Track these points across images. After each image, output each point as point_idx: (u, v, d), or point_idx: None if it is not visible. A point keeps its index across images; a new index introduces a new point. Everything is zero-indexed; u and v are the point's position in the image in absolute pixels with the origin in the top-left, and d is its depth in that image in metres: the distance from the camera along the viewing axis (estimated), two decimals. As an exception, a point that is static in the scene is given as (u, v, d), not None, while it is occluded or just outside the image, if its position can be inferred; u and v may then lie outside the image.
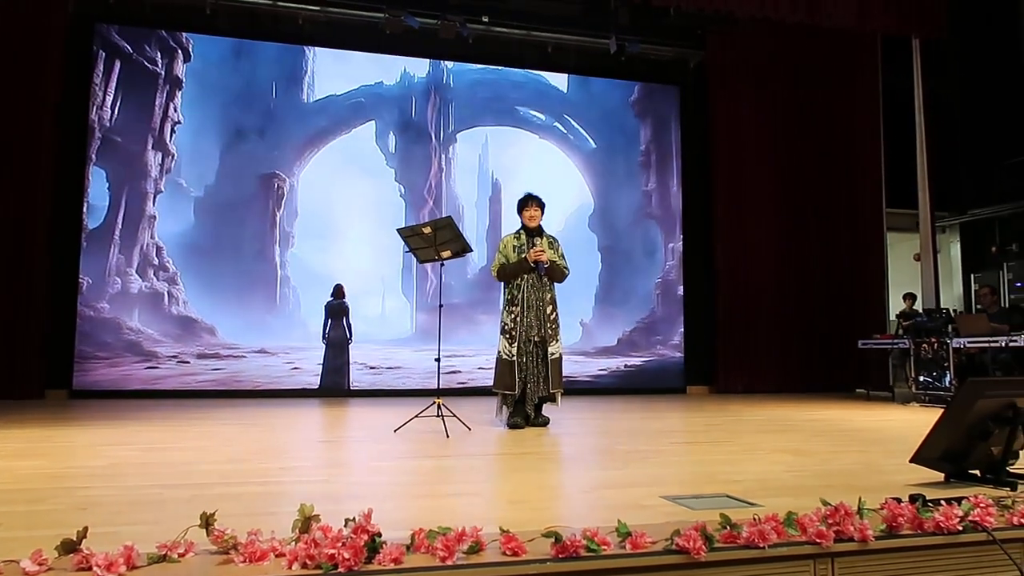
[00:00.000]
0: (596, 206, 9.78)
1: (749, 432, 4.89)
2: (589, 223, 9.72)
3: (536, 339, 5.02)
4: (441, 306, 5.19)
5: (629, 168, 9.93)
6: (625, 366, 9.47)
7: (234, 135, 8.71)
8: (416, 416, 4.89)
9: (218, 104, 8.68)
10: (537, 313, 5.03)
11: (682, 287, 9.81)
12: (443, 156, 9.36)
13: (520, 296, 5.04)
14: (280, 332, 8.53)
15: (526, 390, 4.97)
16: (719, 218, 9.74)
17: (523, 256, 5.03)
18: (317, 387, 8.45)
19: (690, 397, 8.96)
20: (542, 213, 5.21)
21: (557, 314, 5.13)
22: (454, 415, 4.91)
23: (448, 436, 4.43)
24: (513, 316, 5.03)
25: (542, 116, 9.74)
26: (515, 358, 4.96)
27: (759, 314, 9.62)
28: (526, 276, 5.05)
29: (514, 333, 5.00)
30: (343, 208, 8.94)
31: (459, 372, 8.83)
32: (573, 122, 9.83)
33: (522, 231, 5.18)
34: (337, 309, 8.62)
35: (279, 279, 8.67)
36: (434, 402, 4.88)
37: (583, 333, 9.44)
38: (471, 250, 5.15)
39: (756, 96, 9.91)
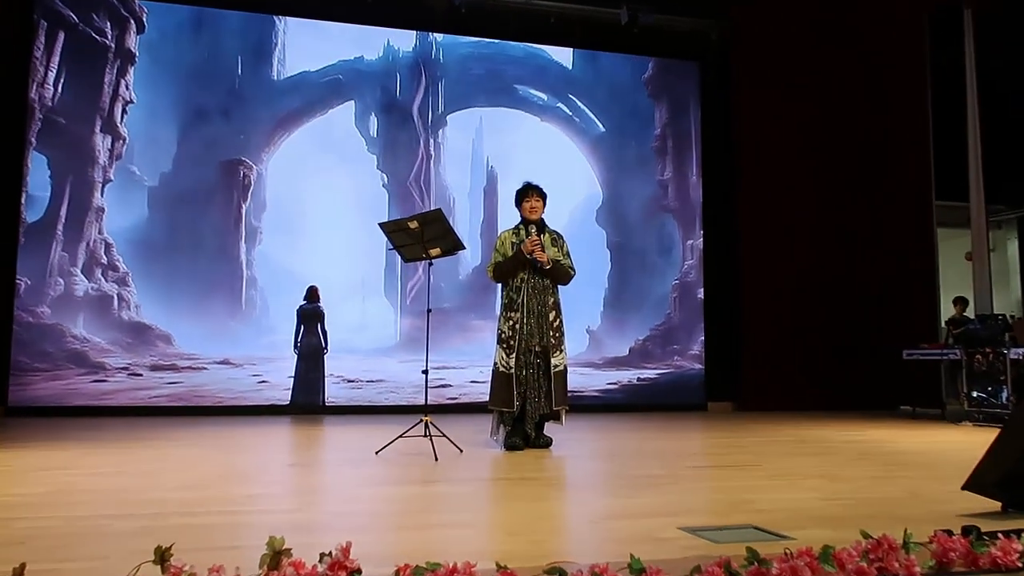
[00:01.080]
0: (605, 198, 9.79)
1: (779, 455, 4.88)
2: (597, 217, 9.73)
3: (537, 349, 5.01)
4: (429, 311, 5.18)
5: (642, 155, 9.94)
6: (638, 380, 9.47)
7: (194, 117, 8.69)
8: (401, 436, 4.87)
9: (175, 81, 8.68)
10: (538, 319, 5.03)
11: (702, 290, 9.82)
12: (431, 141, 9.36)
13: (519, 300, 5.03)
14: (246, 341, 8.52)
15: (526, 407, 4.97)
16: (744, 211, 9.75)
17: (519, 249, 5.02)
18: (288, 403, 8.44)
19: (711, 415, 8.96)
20: (544, 205, 5.21)
21: (561, 321, 5.13)
22: (444, 435, 4.90)
23: (437, 459, 4.42)
24: (511, 323, 5.02)
25: (544, 96, 9.75)
26: (513, 371, 4.96)
27: (791, 320, 9.63)
28: (526, 278, 5.04)
29: (512, 342, 4.99)
30: (318, 200, 8.93)
31: (450, 386, 8.83)
32: (579, 103, 9.84)
33: (522, 226, 5.18)
34: (311, 314, 8.61)
35: (245, 280, 8.66)
36: (421, 420, 4.87)
37: (590, 342, 9.44)
38: (463, 247, 5.14)
39: (786, 73, 9.93)
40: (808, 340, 9.65)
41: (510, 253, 5.11)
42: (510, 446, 4.93)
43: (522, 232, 5.13)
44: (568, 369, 5.18)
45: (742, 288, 9.69)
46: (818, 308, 9.74)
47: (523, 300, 5.03)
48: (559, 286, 5.19)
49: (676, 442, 5.76)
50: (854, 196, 9.96)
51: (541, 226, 5.19)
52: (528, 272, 5.06)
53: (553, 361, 5.01)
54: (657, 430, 6.73)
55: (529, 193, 5.16)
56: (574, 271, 5.24)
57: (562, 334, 5.12)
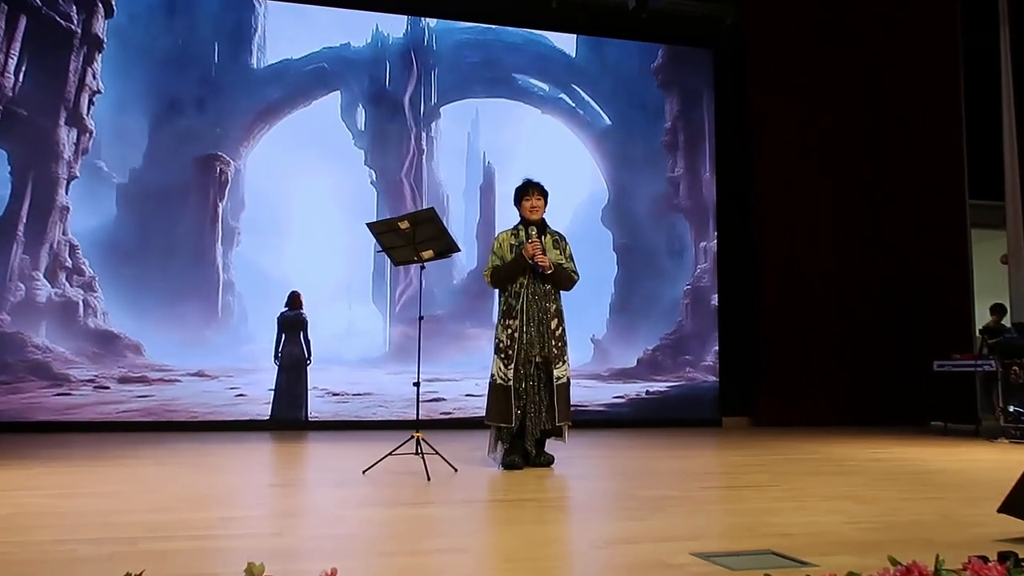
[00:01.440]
0: (611, 196, 9.80)
1: (799, 474, 4.88)
2: (602, 217, 9.74)
3: (538, 360, 5.01)
4: (421, 318, 5.18)
5: (651, 150, 9.95)
6: (647, 393, 9.47)
7: (166, 108, 8.70)
8: (390, 454, 4.87)
9: (147, 70, 8.68)
10: (539, 328, 5.03)
11: (716, 296, 9.83)
12: (424, 135, 9.37)
13: (519, 307, 5.03)
14: (222, 351, 8.51)
15: (525, 423, 4.96)
16: (762, 211, 9.76)
17: (520, 252, 5.03)
18: (268, 418, 8.43)
19: (726, 431, 8.96)
20: (546, 204, 5.21)
21: (563, 329, 5.13)
22: (437, 453, 4.89)
23: (429, 479, 4.41)
24: (510, 331, 5.02)
25: (545, 86, 9.77)
26: (512, 383, 4.95)
27: (812, 329, 9.63)
28: (526, 283, 5.04)
29: (511, 352, 4.99)
30: (300, 198, 8.93)
31: (443, 400, 8.82)
32: (583, 93, 9.86)
33: (521, 226, 5.18)
34: (293, 322, 8.61)
35: (221, 285, 8.66)
36: (412, 437, 4.86)
37: (595, 352, 9.44)
38: (458, 250, 5.14)
39: (808, 61, 9.95)
40: (831, 350, 9.65)
41: (508, 256, 5.10)
42: (508, 465, 4.93)
43: (521, 233, 5.13)
44: (571, 381, 5.17)
45: (759, 294, 9.70)
46: (841, 316, 9.74)
47: (522, 307, 5.03)
48: (561, 292, 5.19)
49: (688, 460, 5.76)
50: (881, 194, 9.96)
51: (542, 227, 5.19)
52: (528, 277, 5.06)
53: (555, 373, 5.00)
54: (667, 447, 6.72)
55: (529, 191, 5.16)
56: (578, 275, 5.24)
57: (565, 343, 5.12)
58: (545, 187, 5.22)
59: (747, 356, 9.73)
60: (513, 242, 5.14)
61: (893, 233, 9.93)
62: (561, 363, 5.05)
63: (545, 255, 5.01)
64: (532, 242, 4.97)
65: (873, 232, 9.91)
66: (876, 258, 9.89)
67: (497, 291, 5.24)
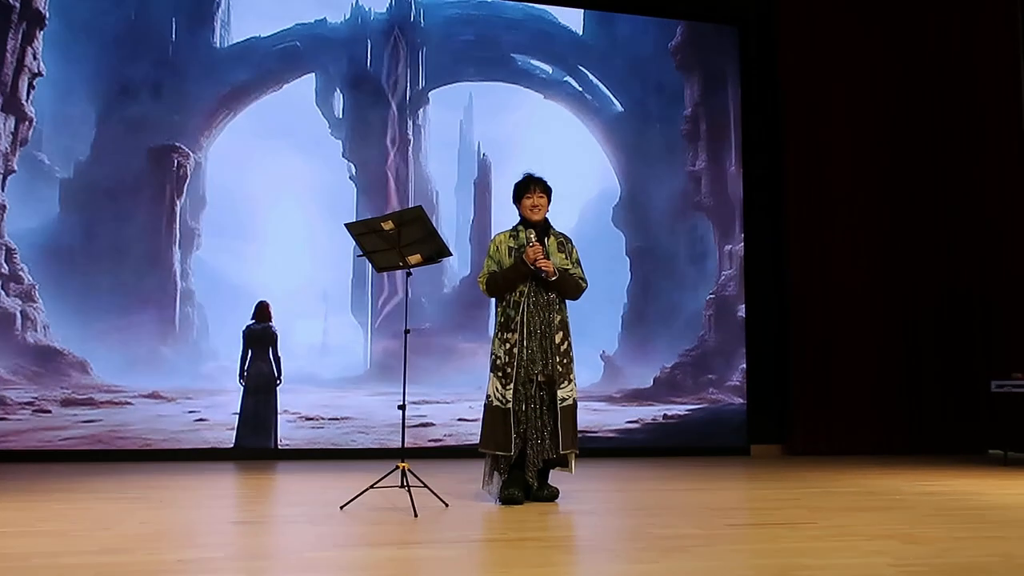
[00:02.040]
0: (623, 193, 9.81)
1: (838, 510, 4.88)
2: (614, 217, 9.75)
3: (540, 379, 5.01)
4: (407, 332, 5.17)
5: (669, 140, 9.97)
6: (664, 417, 9.46)
7: (117, 93, 8.70)
8: (371, 487, 4.86)
9: (94, 50, 8.69)
10: (541, 342, 5.04)
11: (743, 306, 9.83)
12: (410, 123, 9.39)
13: (518, 318, 5.03)
14: (180, 369, 8.50)
15: (526, 451, 4.96)
16: (795, 210, 9.75)
17: (520, 258, 5.03)
18: (232, 446, 8.42)
19: (755, 460, 8.95)
20: (549, 202, 5.22)
21: (569, 344, 5.13)
22: (425, 486, 4.88)
23: (417, 515, 4.41)
24: (508, 346, 5.02)
25: (548, 68, 9.78)
26: (511, 405, 4.95)
27: (853, 344, 9.63)
28: (526, 292, 5.05)
29: (509, 370, 4.99)
30: (270, 195, 8.94)
31: (432, 425, 8.81)
32: (591, 76, 9.88)
33: (521, 227, 5.19)
34: (260, 336, 8.60)
35: (179, 294, 8.65)
36: (397, 467, 4.86)
37: (605, 370, 9.44)
38: (449, 254, 5.15)
39: (847, 38, 9.96)
40: (874, 368, 9.64)
41: (507, 261, 5.11)
42: (507, 499, 4.92)
43: (521, 235, 5.13)
44: (578, 404, 5.18)
45: (793, 304, 9.69)
46: (887, 329, 9.73)
47: (523, 319, 5.03)
48: (567, 302, 5.20)
49: (711, 494, 5.75)
50: (932, 192, 9.94)
51: (545, 228, 5.20)
52: (529, 285, 5.06)
53: (560, 394, 5.00)
54: (688, 479, 6.71)
55: (530, 188, 5.17)
56: (585, 283, 5.25)
57: (570, 360, 5.12)
58: (548, 183, 5.23)
59: (779, 375, 9.72)
60: (512, 245, 5.15)
61: (946, 235, 9.90)
62: (567, 382, 5.06)
63: (549, 259, 5.02)
64: (533, 245, 4.97)
65: (922, 234, 9.89)
66: (926, 263, 9.86)
67: (493, 301, 5.25)
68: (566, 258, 5.19)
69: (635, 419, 9.38)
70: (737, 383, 9.73)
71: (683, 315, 9.75)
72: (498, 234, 5.31)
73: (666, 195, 9.88)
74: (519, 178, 5.25)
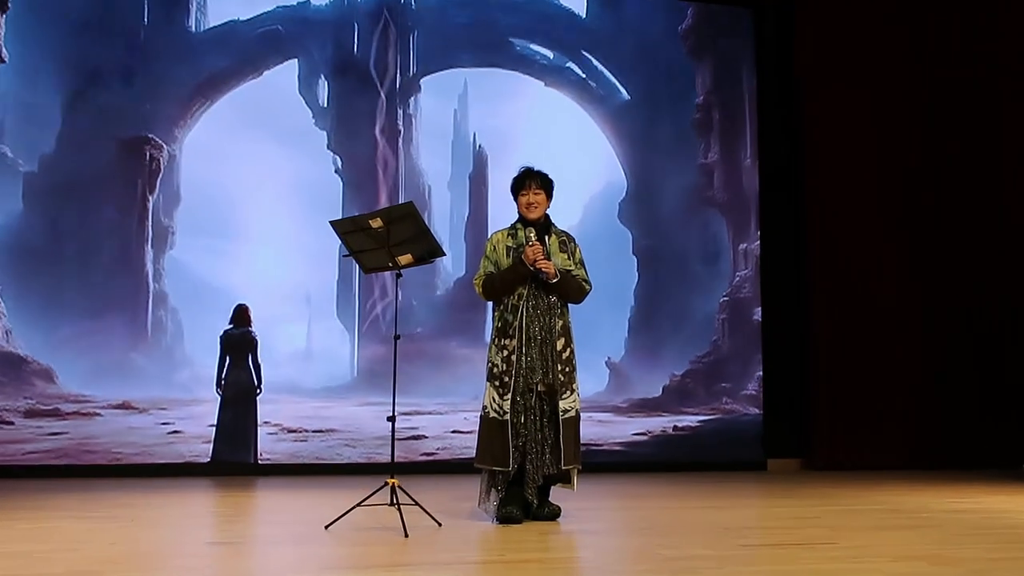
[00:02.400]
0: (630, 188, 9.81)
1: (863, 529, 4.87)
2: (620, 213, 9.74)
3: (540, 388, 5.01)
4: (398, 338, 5.17)
5: (679, 131, 9.97)
6: (674, 428, 9.46)
7: (85, 81, 8.70)
8: (359, 505, 4.86)
9: (60, 34, 8.68)
10: (542, 349, 5.03)
11: (759, 309, 9.82)
12: (400, 112, 9.39)
13: (517, 324, 5.03)
14: (152, 377, 8.49)
15: (525, 466, 4.96)
16: (816, 205, 9.75)
17: (519, 258, 5.03)
18: (208, 460, 8.41)
19: (772, 475, 8.96)
20: (549, 198, 5.21)
21: (572, 351, 5.13)
22: (416, 503, 4.88)
23: (407, 535, 4.40)
24: (506, 354, 5.02)
25: (549, 53, 9.78)
26: (509, 417, 4.95)
27: (878, 349, 9.62)
28: (526, 295, 5.04)
29: (507, 379, 4.99)
30: (249, 190, 8.93)
31: (424, 438, 8.81)
32: (595, 62, 9.88)
33: (520, 225, 5.19)
34: (239, 343, 8.60)
35: (151, 297, 8.65)
36: (386, 483, 4.85)
37: (611, 379, 9.44)
38: (443, 254, 5.15)
39: (865, 17, 9.94)
40: (900, 377, 9.63)
41: (505, 261, 5.11)
42: (504, 518, 4.91)
43: (520, 234, 5.13)
44: (582, 415, 5.18)
45: (812, 307, 9.68)
46: (914, 333, 9.72)
47: (521, 324, 5.02)
48: (569, 305, 5.20)
49: (725, 512, 5.75)
50: (965, 188, 9.90)
51: (545, 226, 5.19)
52: (528, 287, 5.06)
53: (562, 405, 4.99)
54: (699, 496, 6.71)
55: (527, 183, 5.16)
56: (589, 285, 5.24)
57: (573, 368, 5.12)
58: (549, 177, 5.22)
59: (798, 384, 9.72)
60: (510, 244, 5.15)
61: (979, 234, 9.88)
62: (569, 392, 5.05)
63: (549, 260, 5.01)
64: (533, 245, 4.97)
65: (953, 232, 9.87)
66: (957, 263, 9.84)
67: (490, 304, 5.24)
68: (568, 258, 5.18)
69: (642, 431, 9.38)
70: (753, 392, 9.73)
71: (694, 319, 9.74)
72: (495, 232, 5.30)
73: (676, 190, 9.88)
74: (517, 172, 5.25)
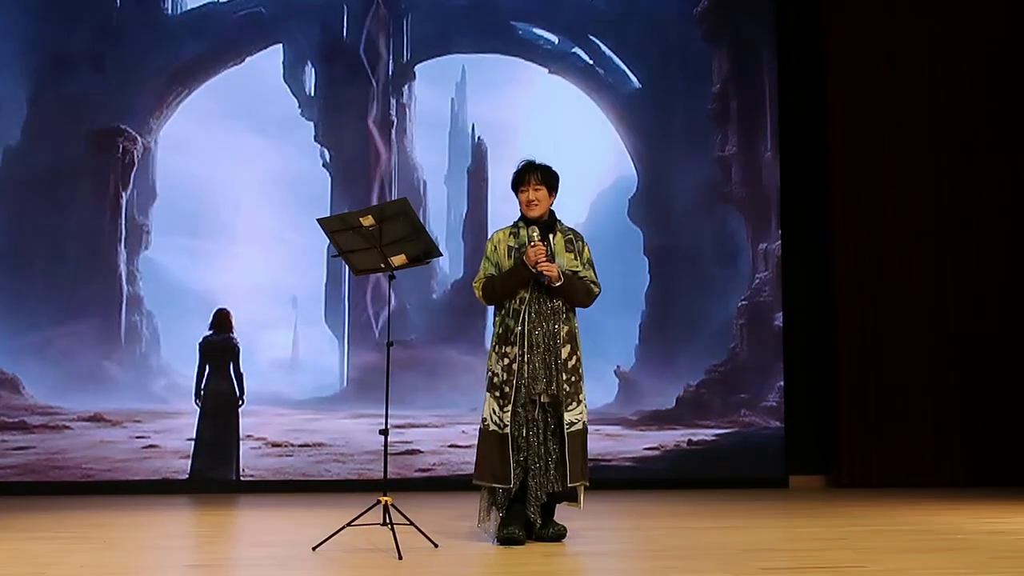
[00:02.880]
0: (642, 183, 9.80)
1: (891, 551, 4.88)
2: (630, 211, 9.73)
3: (543, 399, 5.01)
4: (390, 344, 5.19)
5: (694, 122, 9.95)
6: (689, 443, 9.46)
7: (52, 68, 8.72)
8: (349, 525, 4.87)
9: (25, 18, 8.71)
10: (545, 357, 5.02)
11: (780, 314, 9.82)
12: (393, 102, 9.40)
13: (519, 330, 5.03)
14: (126, 387, 8.50)
15: (528, 482, 4.96)
16: (840, 201, 9.74)
17: (520, 260, 5.04)
18: (187, 476, 8.42)
19: (794, 493, 8.96)
20: (552, 194, 5.21)
21: (579, 359, 5.13)
22: (411, 523, 4.89)
23: (401, 557, 4.41)
24: (507, 362, 5.02)
25: (554, 37, 9.79)
26: (509, 430, 4.97)
27: (907, 359, 9.60)
28: (528, 299, 5.04)
29: (508, 389, 4.99)
30: (229, 185, 8.95)
31: (419, 452, 8.81)
32: (603, 47, 9.88)
33: (522, 224, 5.20)
34: (220, 350, 8.61)
35: (125, 300, 8.66)
36: (378, 501, 4.87)
37: (621, 389, 9.43)
38: (439, 254, 5.16)
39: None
40: (933, 388, 9.59)
41: (506, 263, 5.11)
42: (505, 538, 4.92)
43: (522, 233, 5.13)
44: (589, 428, 5.19)
45: (837, 312, 9.67)
46: (948, 340, 9.69)
47: (523, 330, 5.02)
48: (576, 309, 5.21)
49: (743, 532, 5.75)
50: (1005, 183, 9.87)
51: (550, 224, 5.19)
52: (531, 291, 5.07)
53: (567, 417, 4.99)
54: (716, 515, 6.72)
55: (527, 178, 5.16)
56: (598, 287, 5.24)
57: (580, 378, 5.11)
58: (553, 170, 5.22)
59: (822, 395, 9.70)
60: (512, 244, 5.14)
61: (1016, 237, 9.87)
62: (575, 404, 5.04)
63: (553, 262, 5.02)
64: (535, 246, 4.97)
65: (992, 231, 9.83)
66: (993, 267, 9.82)
67: (491, 309, 5.25)
68: (575, 258, 5.18)
69: (655, 445, 9.38)
70: (773, 404, 9.71)
71: (710, 325, 9.73)
72: (497, 231, 5.30)
73: (690, 185, 9.86)
74: (518, 166, 5.25)
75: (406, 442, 8.68)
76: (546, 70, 9.74)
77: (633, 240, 9.67)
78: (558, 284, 5.00)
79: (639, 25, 9.93)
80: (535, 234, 5.00)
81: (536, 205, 5.12)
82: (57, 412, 8.33)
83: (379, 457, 5.19)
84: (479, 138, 9.53)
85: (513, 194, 5.27)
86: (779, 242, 9.85)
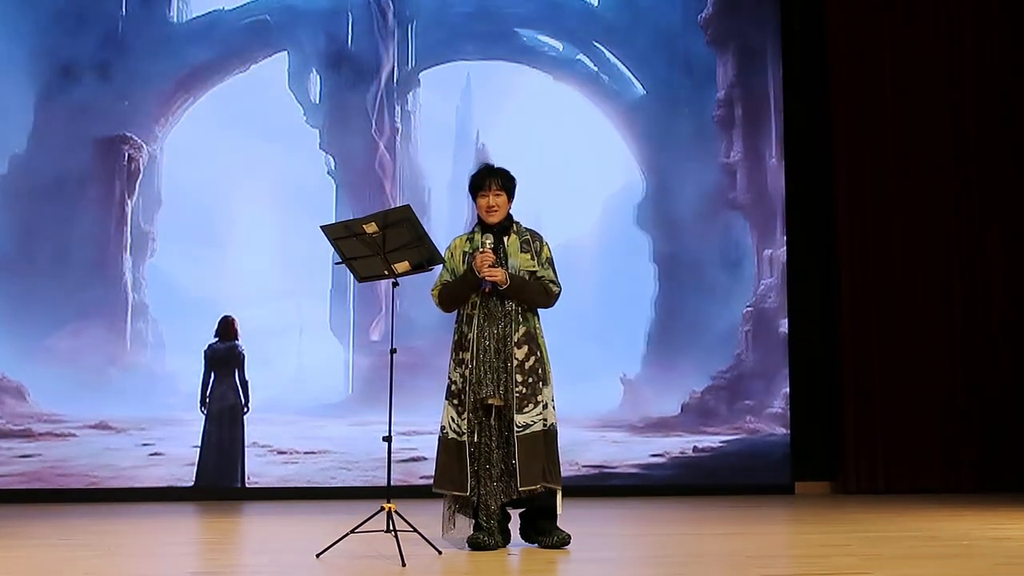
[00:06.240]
0: (647, 189, 9.78)
1: (896, 557, 4.88)
2: (637, 217, 9.71)
3: (494, 403, 4.96)
4: (394, 352, 5.19)
5: (700, 128, 9.95)
6: (694, 449, 9.44)
7: (58, 76, 8.74)
8: (353, 532, 4.87)
9: (31, 26, 8.73)
10: (493, 362, 4.98)
11: (786, 320, 9.80)
12: (398, 109, 9.40)
13: (471, 335, 5.02)
14: (132, 395, 8.51)
15: (479, 490, 4.93)
16: (846, 207, 9.73)
17: (469, 266, 5.02)
18: (192, 484, 8.43)
19: (800, 499, 8.95)
20: (511, 199, 5.18)
21: (539, 358, 5.04)
22: (415, 530, 4.89)
23: (404, 564, 4.42)
24: (463, 369, 5.02)
25: (558, 44, 9.79)
26: (465, 437, 4.95)
27: (914, 364, 9.58)
28: (479, 303, 5.02)
29: (463, 396, 5.00)
30: (235, 193, 8.97)
31: (424, 459, 8.78)
32: (608, 54, 9.88)
33: (478, 229, 5.18)
34: (225, 358, 8.62)
35: (130, 308, 8.67)
36: (382, 508, 4.87)
37: (625, 395, 9.40)
38: (442, 261, 5.16)
39: (903, 3, 9.94)
40: (940, 394, 9.57)
41: (463, 270, 5.10)
42: (476, 543, 4.91)
43: (477, 239, 5.11)
44: (558, 428, 5.07)
45: (841, 318, 9.65)
46: (956, 346, 9.66)
47: (474, 335, 5.01)
48: (538, 309, 5.16)
49: (748, 539, 5.75)
50: (1013, 187, 9.87)
51: (505, 227, 5.16)
52: (480, 295, 5.02)
53: (519, 420, 4.89)
54: (721, 522, 6.72)
55: (487, 183, 5.12)
56: (558, 286, 5.16)
57: (539, 378, 5.00)
58: (511, 175, 5.18)
59: (828, 401, 9.68)
60: (467, 250, 5.12)
61: None
62: (531, 405, 4.93)
63: (500, 267, 4.96)
64: (483, 252, 4.93)
65: (998, 237, 9.81)
66: (1002, 271, 9.78)
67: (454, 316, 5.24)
68: (532, 258, 5.11)
69: (659, 452, 9.36)
70: (779, 410, 9.70)
71: (715, 331, 9.70)
72: (455, 239, 5.29)
73: (695, 191, 9.84)
74: (474, 170, 5.23)
75: (410, 449, 8.67)
76: (551, 77, 9.74)
77: (639, 246, 9.61)
78: (503, 287, 4.94)
79: (644, 32, 9.92)
80: (488, 241, 4.97)
81: (495, 211, 5.10)
82: (62, 419, 8.34)
83: (382, 464, 5.19)
84: (483, 145, 9.51)
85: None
86: (784, 248, 9.84)
